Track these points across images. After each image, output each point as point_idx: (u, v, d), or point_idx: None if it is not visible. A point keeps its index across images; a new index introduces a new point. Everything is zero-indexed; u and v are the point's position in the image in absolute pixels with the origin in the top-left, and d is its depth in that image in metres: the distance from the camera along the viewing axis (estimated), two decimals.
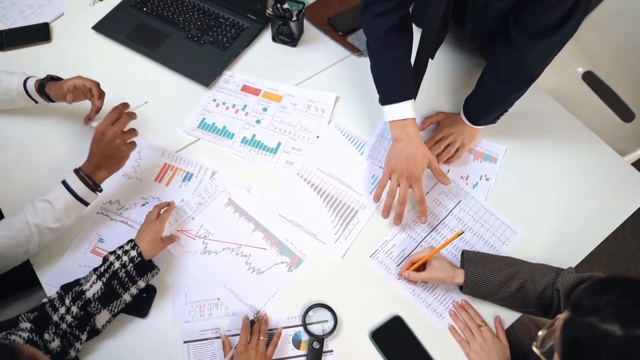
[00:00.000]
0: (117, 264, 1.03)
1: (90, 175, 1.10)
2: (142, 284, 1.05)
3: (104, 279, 1.01)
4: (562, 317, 0.72)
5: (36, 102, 1.27)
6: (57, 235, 1.11)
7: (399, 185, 1.20)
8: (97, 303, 1.00)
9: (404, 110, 1.20)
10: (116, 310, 1.03)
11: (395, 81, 1.22)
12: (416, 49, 1.25)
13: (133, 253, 1.05)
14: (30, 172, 1.28)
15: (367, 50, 1.26)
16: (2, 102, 1.28)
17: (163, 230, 1.12)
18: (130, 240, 1.08)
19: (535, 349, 0.77)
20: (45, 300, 1.00)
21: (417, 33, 1.23)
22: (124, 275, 1.03)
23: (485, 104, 1.27)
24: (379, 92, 1.25)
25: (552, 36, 1.04)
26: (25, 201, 1.09)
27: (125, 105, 1.16)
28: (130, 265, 1.04)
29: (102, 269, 1.03)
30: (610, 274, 0.72)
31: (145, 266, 1.06)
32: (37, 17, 1.52)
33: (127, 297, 1.03)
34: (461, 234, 1.10)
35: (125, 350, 1.07)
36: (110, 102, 1.33)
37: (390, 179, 1.21)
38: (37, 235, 1.06)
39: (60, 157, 1.30)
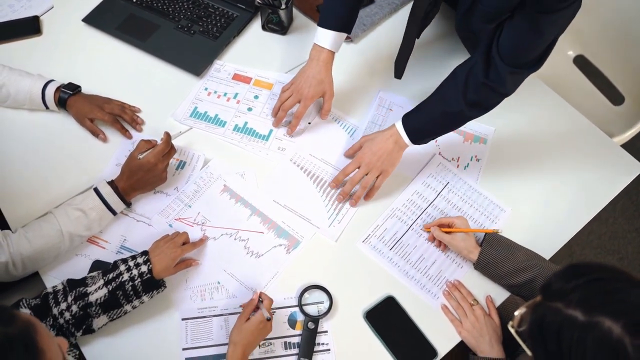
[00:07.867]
0: (126, 276, 1.03)
1: (125, 195, 1.16)
2: (146, 299, 1.05)
3: (110, 287, 1.01)
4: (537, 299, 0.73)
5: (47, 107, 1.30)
6: (83, 241, 1.16)
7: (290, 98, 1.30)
8: (98, 308, 1.00)
9: (327, 38, 1.25)
10: (115, 317, 1.03)
11: (335, 9, 1.25)
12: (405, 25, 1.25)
13: (144, 268, 1.04)
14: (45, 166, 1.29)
15: None
16: (15, 103, 1.30)
17: (179, 258, 1.11)
18: (145, 253, 1.07)
19: (510, 328, 0.78)
20: (49, 290, 1.01)
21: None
22: (130, 288, 1.02)
23: (439, 121, 1.18)
24: (320, 14, 1.28)
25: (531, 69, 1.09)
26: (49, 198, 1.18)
27: (169, 135, 1.19)
28: (139, 280, 1.03)
29: (110, 276, 1.02)
30: (586, 261, 0.72)
31: (153, 284, 1.05)
32: (27, 11, 1.51)
33: (128, 308, 1.04)
34: (497, 232, 1.17)
35: (122, 328, 1.08)
36: (102, 93, 1.34)
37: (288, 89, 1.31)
38: (69, 242, 1.10)
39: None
